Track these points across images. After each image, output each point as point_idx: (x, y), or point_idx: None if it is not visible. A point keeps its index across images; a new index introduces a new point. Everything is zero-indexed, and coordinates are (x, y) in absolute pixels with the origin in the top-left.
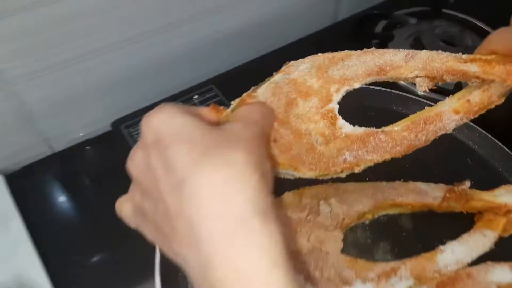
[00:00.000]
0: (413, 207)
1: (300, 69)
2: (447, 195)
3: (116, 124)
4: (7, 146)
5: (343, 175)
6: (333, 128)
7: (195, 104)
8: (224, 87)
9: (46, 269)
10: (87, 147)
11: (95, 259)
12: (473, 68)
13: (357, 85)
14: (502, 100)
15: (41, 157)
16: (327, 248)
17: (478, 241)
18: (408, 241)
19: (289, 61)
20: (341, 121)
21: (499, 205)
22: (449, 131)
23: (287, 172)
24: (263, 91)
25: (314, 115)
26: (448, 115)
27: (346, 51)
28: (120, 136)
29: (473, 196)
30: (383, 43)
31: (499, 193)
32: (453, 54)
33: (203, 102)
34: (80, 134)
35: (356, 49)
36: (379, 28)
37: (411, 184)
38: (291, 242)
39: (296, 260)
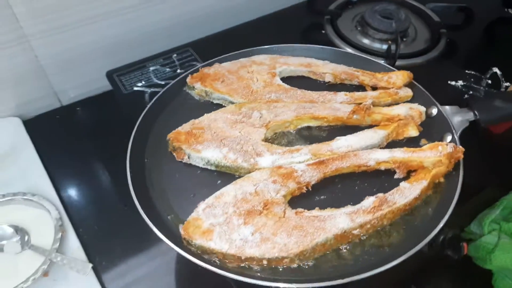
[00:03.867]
0: (327, 120)
1: (258, 57)
2: (354, 109)
3: (110, 73)
4: (22, 95)
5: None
6: (272, 79)
7: (174, 62)
8: (199, 50)
9: (53, 185)
10: (90, 102)
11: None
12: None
13: (292, 67)
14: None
15: (51, 109)
16: (252, 137)
17: (369, 135)
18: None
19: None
20: (277, 78)
21: (393, 116)
22: None
23: (224, 98)
24: (227, 63)
25: (262, 72)
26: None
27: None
28: (114, 83)
29: (374, 110)
30: (333, 19)
31: (395, 108)
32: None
33: (180, 60)
34: (84, 91)
35: (312, 24)
36: (332, 6)
37: (328, 103)
38: (225, 131)
39: (226, 140)
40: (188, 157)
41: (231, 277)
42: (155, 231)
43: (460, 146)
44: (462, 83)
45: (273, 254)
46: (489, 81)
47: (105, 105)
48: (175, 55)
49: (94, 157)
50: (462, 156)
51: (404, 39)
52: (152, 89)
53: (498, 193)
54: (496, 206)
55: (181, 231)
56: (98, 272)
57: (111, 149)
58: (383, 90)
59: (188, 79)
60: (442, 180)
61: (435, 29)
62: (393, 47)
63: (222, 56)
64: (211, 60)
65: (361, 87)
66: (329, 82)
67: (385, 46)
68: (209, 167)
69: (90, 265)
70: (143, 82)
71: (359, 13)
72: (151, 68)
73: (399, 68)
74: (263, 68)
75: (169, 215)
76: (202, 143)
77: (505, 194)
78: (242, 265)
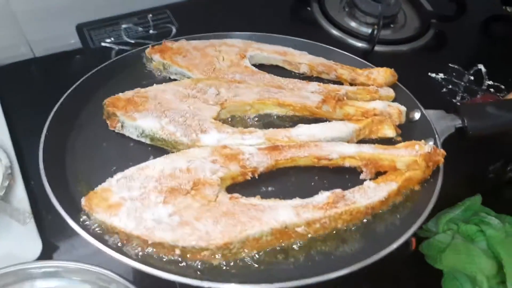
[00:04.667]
0: (293, 108)
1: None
2: (325, 98)
3: (80, 26)
4: None
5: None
6: (240, 60)
7: (148, 22)
8: (177, 13)
9: (10, 135)
10: (63, 57)
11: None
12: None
13: (265, 54)
14: None
15: (23, 59)
16: (202, 113)
17: (337, 126)
18: None
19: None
20: (246, 60)
21: (368, 109)
22: None
23: (182, 72)
24: (195, 41)
25: (232, 54)
26: None
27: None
28: (82, 37)
29: (347, 102)
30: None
31: (372, 102)
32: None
33: (155, 21)
34: (58, 44)
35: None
36: None
37: (297, 91)
38: (172, 103)
39: (169, 111)
40: (122, 126)
41: (128, 264)
42: (49, 195)
43: (441, 149)
44: (443, 77)
45: (189, 241)
46: (472, 78)
47: (77, 61)
48: (150, 15)
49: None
50: (442, 160)
51: (392, 25)
52: (120, 47)
53: (464, 195)
54: (458, 206)
55: (82, 202)
56: (41, 227)
57: None
58: (361, 87)
59: (147, 50)
60: (417, 188)
61: (425, 18)
62: (376, 31)
63: (192, 35)
64: (178, 38)
65: (339, 84)
66: (304, 73)
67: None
68: (143, 140)
69: (31, 216)
70: (112, 39)
71: None
72: (123, 26)
73: (381, 54)
74: (233, 49)
75: (79, 185)
76: (140, 112)
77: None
78: (148, 251)
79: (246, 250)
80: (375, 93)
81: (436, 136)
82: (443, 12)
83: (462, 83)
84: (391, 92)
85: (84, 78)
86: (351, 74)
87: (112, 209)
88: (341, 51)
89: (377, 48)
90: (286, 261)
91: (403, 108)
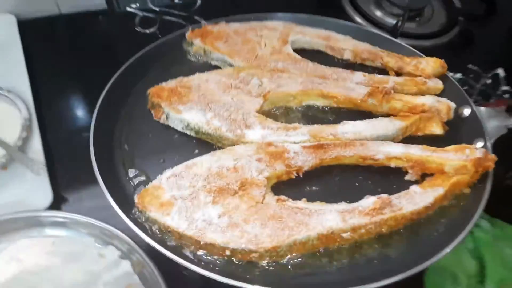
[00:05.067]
0: (338, 100)
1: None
2: (371, 91)
3: None
4: None
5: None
6: (282, 47)
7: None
8: None
9: (31, 87)
10: (88, 16)
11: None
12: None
13: (308, 38)
14: None
15: (48, 15)
16: (245, 106)
17: (383, 124)
18: None
19: None
20: (289, 46)
21: (417, 104)
22: None
23: (224, 59)
24: (235, 23)
25: (273, 39)
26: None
27: None
28: (109, 0)
29: (394, 96)
30: None
31: (420, 97)
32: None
33: None
34: (84, 3)
35: None
36: None
37: (342, 82)
38: (216, 95)
39: (213, 104)
40: (167, 118)
41: (184, 265)
42: (101, 186)
43: (492, 154)
44: (460, 77)
45: (239, 244)
46: (489, 81)
47: (100, 22)
48: None
49: (76, 73)
50: (492, 165)
51: (417, 19)
52: (145, 14)
53: None
54: None
55: (136, 199)
56: (53, 179)
57: (94, 71)
58: (409, 77)
59: (188, 34)
60: (466, 190)
61: (453, 15)
62: (400, 23)
63: (231, 16)
64: (217, 19)
65: (384, 72)
66: (348, 60)
67: None
68: (188, 132)
69: (45, 168)
70: (138, 5)
71: None
72: None
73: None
74: (275, 34)
75: (129, 175)
76: (185, 104)
77: None
78: (199, 253)
79: (291, 253)
80: (423, 85)
81: (487, 136)
82: (472, 10)
83: (478, 85)
84: (439, 84)
85: (127, 64)
86: (398, 62)
87: (165, 208)
88: (389, 36)
89: (399, 40)
90: (330, 264)
91: (452, 105)
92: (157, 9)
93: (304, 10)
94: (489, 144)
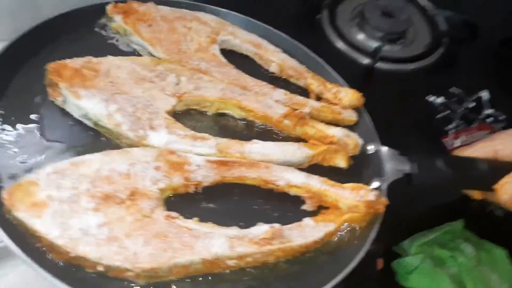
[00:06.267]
0: (254, 115)
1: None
2: (287, 113)
3: None
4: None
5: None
6: (209, 45)
7: None
8: None
9: None
10: None
11: None
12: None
13: (238, 41)
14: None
15: None
16: (155, 103)
17: (292, 149)
18: None
19: None
20: (216, 46)
21: (327, 135)
22: None
23: (144, 45)
24: (165, 7)
25: (202, 35)
26: None
27: None
28: None
29: (308, 122)
30: (333, 4)
31: (332, 128)
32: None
33: None
34: None
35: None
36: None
37: (262, 97)
38: (125, 85)
39: (120, 96)
40: (64, 101)
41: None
42: None
43: (384, 198)
44: (442, 101)
45: (114, 261)
46: (472, 105)
47: None
48: None
49: None
50: (383, 209)
51: (401, 40)
52: None
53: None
54: (434, 230)
55: (3, 194)
56: None
57: None
58: (326, 104)
59: (109, 7)
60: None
61: (437, 36)
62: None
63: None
64: None
65: (304, 93)
66: (273, 73)
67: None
68: (86, 122)
69: None
70: None
71: (359, 4)
72: None
73: (383, 71)
74: (205, 29)
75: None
76: (87, 89)
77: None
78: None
79: (171, 275)
80: (338, 115)
81: (383, 177)
82: (457, 33)
83: (461, 109)
84: (354, 116)
85: (28, 29)
86: (320, 87)
87: (36, 208)
88: (316, 57)
89: (380, 65)
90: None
91: (360, 141)
92: None
93: (280, 21)
94: (384, 186)
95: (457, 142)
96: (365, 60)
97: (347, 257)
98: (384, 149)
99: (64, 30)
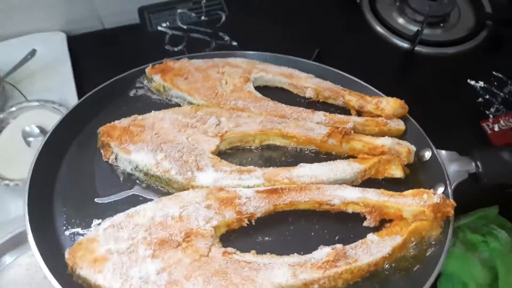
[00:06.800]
0: (297, 140)
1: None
2: (330, 131)
3: (142, 9)
4: (71, 13)
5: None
6: (243, 84)
7: (201, 8)
8: (229, 1)
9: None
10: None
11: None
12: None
13: (270, 76)
14: None
15: (93, 30)
16: (200, 146)
17: (342, 166)
18: None
19: None
20: (250, 84)
21: (376, 146)
22: None
23: (183, 96)
24: (197, 60)
25: (235, 76)
26: None
27: None
28: (142, 19)
29: (354, 136)
30: None
31: (381, 138)
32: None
33: (208, 7)
34: (124, 19)
35: None
36: None
37: (302, 122)
38: (170, 134)
39: (166, 145)
40: (115, 158)
41: None
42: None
43: (451, 200)
44: (482, 85)
45: None
46: None
47: (137, 37)
48: (204, 1)
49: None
50: (452, 212)
51: (442, 24)
52: (173, 32)
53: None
54: (469, 215)
55: (66, 254)
56: None
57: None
58: (370, 118)
59: (148, 69)
60: (427, 237)
61: (481, 19)
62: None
63: (194, 54)
64: (180, 56)
65: (346, 111)
66: (310, 98)
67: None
68: (137, 174)
69: None
70: (168, 23)
71: None
72: (179, 11)
73: (423, 55)
74: (237, 71)
75: (65, 225)
76: (135, 144)
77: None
78: None
79: None
80: (385, 126)
81: (447, 181)
82: (502, 14)
83: (502, 94)
84: (401, 125)
85: (79, 101)
86: (359, 101)
87: (98, 264)
88: (349, 76)
89: (421, 49)
90: None
91: (413, 148)
92: (185, 27)
93: (322, 16)
94: (450, 189)
95: (497, 127)
96: (405, 44)
97: (422, 275)
98: (442, 152)
99: (112, 96)
